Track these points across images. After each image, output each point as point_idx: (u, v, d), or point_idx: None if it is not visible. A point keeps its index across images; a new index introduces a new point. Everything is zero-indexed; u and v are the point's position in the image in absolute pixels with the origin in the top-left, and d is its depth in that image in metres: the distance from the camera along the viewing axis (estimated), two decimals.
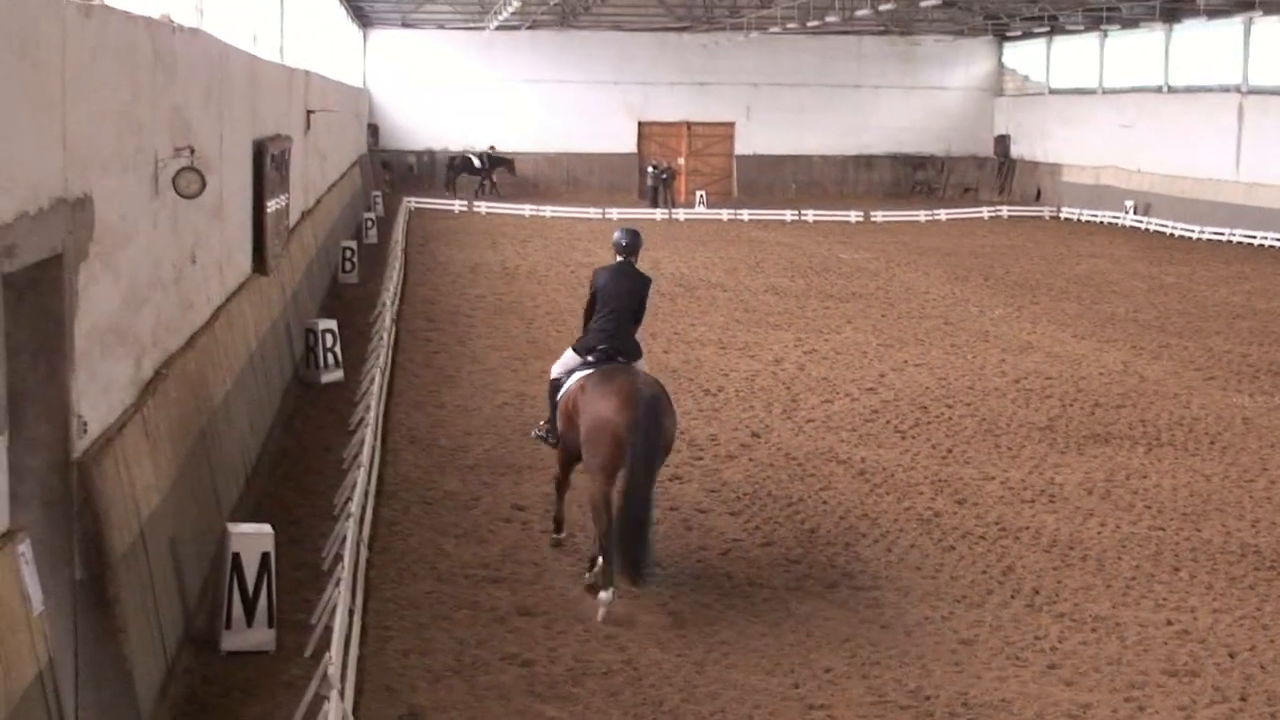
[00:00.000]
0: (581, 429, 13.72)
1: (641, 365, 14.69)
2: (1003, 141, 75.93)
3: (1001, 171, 75.14)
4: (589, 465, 13.66)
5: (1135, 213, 59.94)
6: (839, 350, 27.99)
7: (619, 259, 15.17)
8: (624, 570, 13.17)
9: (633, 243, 15.24)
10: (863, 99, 76.08)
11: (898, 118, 76.32)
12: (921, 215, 61.72)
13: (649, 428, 13.27)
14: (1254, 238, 51.06)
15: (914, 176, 76.57)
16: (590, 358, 14.45)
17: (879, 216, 61.48)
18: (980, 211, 64.36)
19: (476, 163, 69.56)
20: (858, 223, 60.36)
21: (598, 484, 13.49)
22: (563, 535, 15.33)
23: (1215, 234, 52.97)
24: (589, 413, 13.61)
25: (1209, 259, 46.33)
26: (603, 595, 13.24)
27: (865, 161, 76.28)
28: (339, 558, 13.02)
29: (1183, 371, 26.14)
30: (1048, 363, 26.81)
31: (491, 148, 70.79)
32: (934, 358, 27.25)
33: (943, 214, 62.57)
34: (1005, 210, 65.16)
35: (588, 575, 14.08)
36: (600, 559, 13.69)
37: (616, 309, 14.66)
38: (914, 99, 76.52)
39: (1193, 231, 54.16)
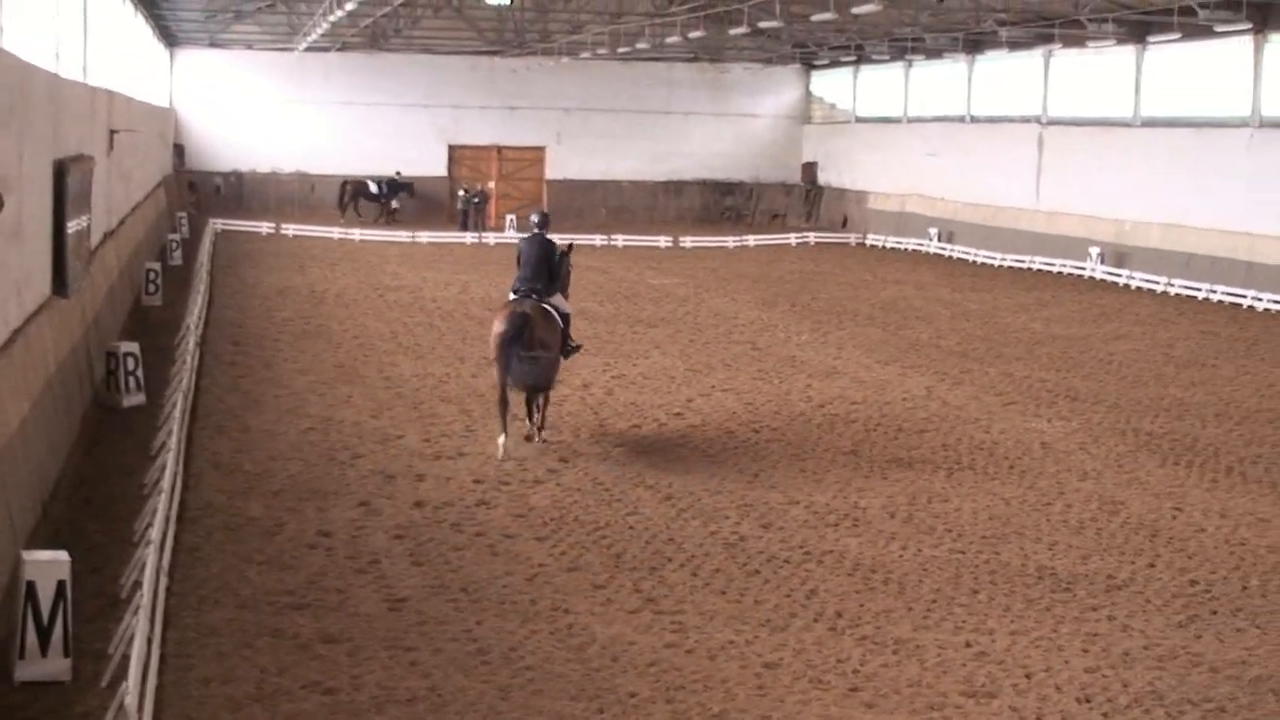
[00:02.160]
0: None
1: (557, 299, 21.84)
2: (810, 169, 76.80)
3: (809, 198, 76.00)
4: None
5: (939, 240, 60.89)
6: (647, 375, 28.11)
7: (535, 231, 22.25)
8: (500, 414, 20.81)
9: (542, 220, 22.61)
10: (673, 125, 76.55)
11: (708, 144, 76.91)
12: (730, 241, 62.23)
13: (514, 333, 20.54)
14: (1053, 265, 52.15)
15: (723, 202, 77.12)
16: (512, 295, 21.77)
17: (688, 242, 61.87)
18: (788, 238, 65.09)
19: (374, 188, 68.97)
20: (667, 248, 60.68)
21: (495, 372, 21.22)
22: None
23: (1016, 261, 54.02)
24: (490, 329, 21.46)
25: (1010, 286, 47.27)
26: (500, 440, 20.68)
27: (675, 187, 76.76)
28: (138, 585, 12.79)
29: (984, 397, 26.62)
30: (853, 388, 27.15)
31: (397, 173, 70.23)
32: (741, 383, 27.46)
33: (751, 240, 63.14)
34: (812, 237, 66.00)
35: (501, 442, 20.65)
36: (502, 427, 20.77)
37: (531, 263, 21.80)
38: (724, 126, 77.17)
39: (994, 259, 55.19)
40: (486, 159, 74.35)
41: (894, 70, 68.73)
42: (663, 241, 61.73)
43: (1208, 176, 46.64)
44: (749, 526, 17.29)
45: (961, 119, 62.74)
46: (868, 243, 64.85)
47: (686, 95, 76.55)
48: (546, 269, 21.85)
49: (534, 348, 20.71)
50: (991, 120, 60.52)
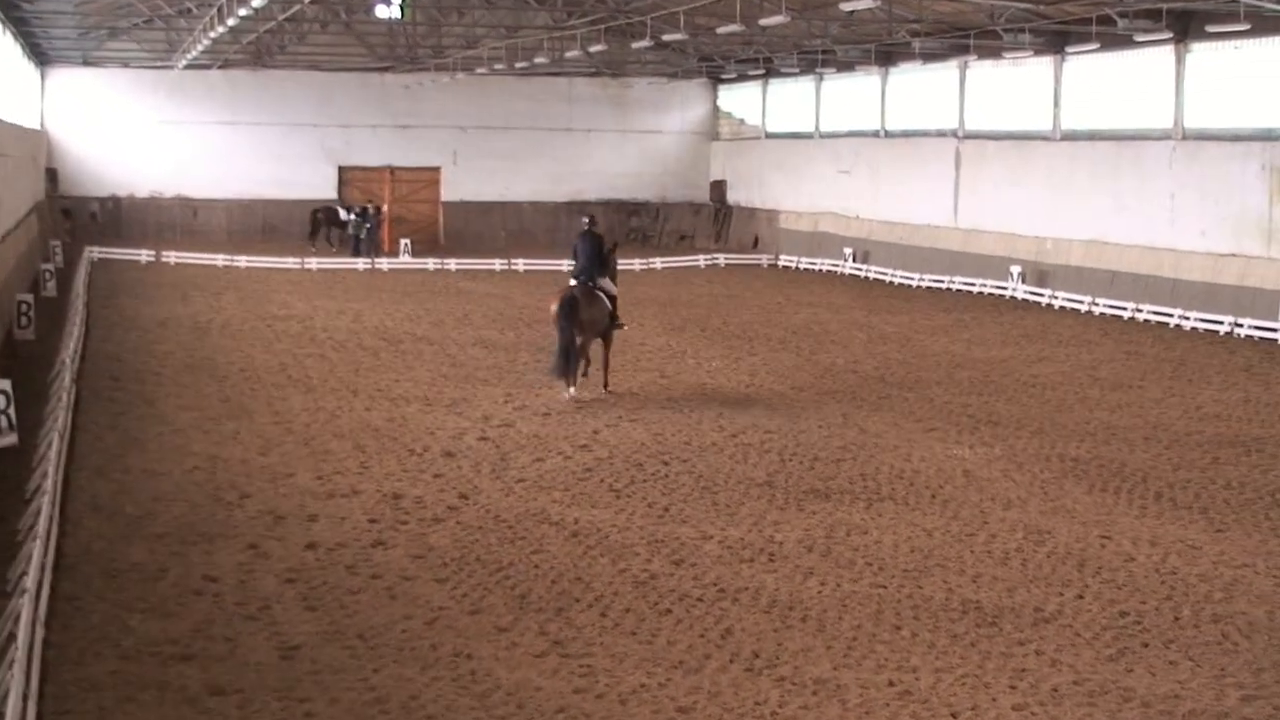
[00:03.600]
0: None
1: (605, 283, 29.31)
2: (719, 187, 77.06)
3: (718, 218, 76.23)
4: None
5: (854, 260, 61.22)
6: (551, 406, 28.07)
7: (587, 229, 30.01)
8: (554, 372, 28.54)
9: (592, 220, 30.88)
10: (575, 143, 76.63)
11: (611, 163, 77.04)
12: (636, 264, 62.22)
13: (565, 313, 28.05)
14: (973, 285, 52.50)
15: (628, 224, 77.19)
16: (572, 281, 29.35)
17: None
18: (696, 259, 65.15)
19: (343, 214, 68.62)
20: (569, 272, 60.52)
21: (557, 337, 28.41)
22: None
23: (935, 282, 54.39)
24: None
25: (928, 307, 47.58)
26: (568, 392, 28.42)
27: (578, 208, 76.15)
28: (13, 637, 12.61)
29: (903, 423, 26.75)
30: (766, 416, 27.22)
31: (370, 202, 69.99)
32: (649, 412, 27.47)
33: (658, 262, 63.23)
34: (722, 258, 66.14)
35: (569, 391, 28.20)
36: (567, 383, 28.40)
37: (585, 255, 29.32)
38: (628, 143, 77.35)
39: (912, 279, 55.51)
40: (379, 180, 74.03)
41: (804, 84, 69.08)
42: (566, 265, 61.46)
43: (1130, 191, 47.20)
44: (660, 563, 17.28)
45: (875, 134, 63.12)
46: (780, 264, 65.07)
47: (588, 112, 76.70)
48: (598, 259, 29.37)
49: (579, 320, 28.15)
50: (906, 135, 60.90)
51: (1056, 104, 51.32)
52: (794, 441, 24.83)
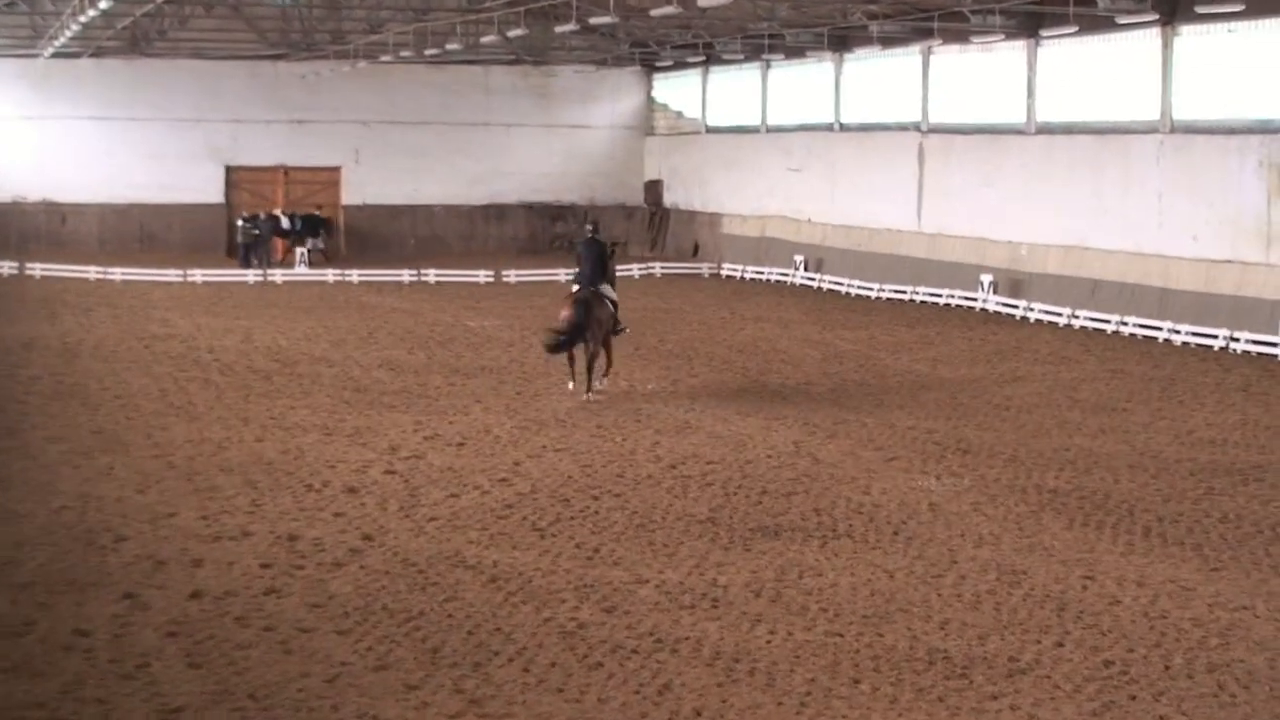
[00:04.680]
0: None
1: (606, 289, 32.53)
2: (654, 188, 77.10)
3: (653, 223, 76.29)
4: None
5: (806, 269, 61.36)
6: (467, 435, 28.06)
7: (590, 236, 33.46)
8: (547, 347, 32.44)
9: (595, 227, 34.25)
10: (493, 139, 76.46)
11: (534, 161, 76.87)
12: (562, 274, 62.14)
13: (579, 314, 31.44)
14: (939, 296, 52.73)
15: (553, 229, 77.09)
16: (575, 287, 32.68)
17: (512, 276, 61.92)
18: (630, 269, 64.94)
19: (286, 224, 68.30)
20: (488, 284, 60.68)
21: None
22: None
23: (896, 293, 54.57)
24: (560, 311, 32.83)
25: (890, 321, 47.74)
26: (571, 385, 32.49)
27: (496, 212, 76.61)
28: None
29: (861, 451, 26.82)
30: (708, 444, 27.26)
31: (317, 208, 69.65)
32: (578, 441, 27.49)
33: None
34: (658, 267, 66.24)
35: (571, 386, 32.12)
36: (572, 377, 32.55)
37: (590, 261, 32.74)
38: (552, 139, 77.23)
39: (871, 290, 55.70)
40: (271, 182, 73.77)
41: (749, 72, 69.20)
42: (482, 276, 61.66)
43: (1113, 190, 47.41)
44: (589, 611, 17.26)
45: (829, 127, 63.20)
46: (723, 274, 65.20)
47: (508, 104, 76.57)
48: (601, 265, 32.93)
49: (592, 324, 31.67)
50: (864, 129, 61.02)
51: (1031, 94, 51.46)
52: (739, 473, 24.87)
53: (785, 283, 61.37)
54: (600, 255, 33.11)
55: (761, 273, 63.39)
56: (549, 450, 26.69)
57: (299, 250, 66.99)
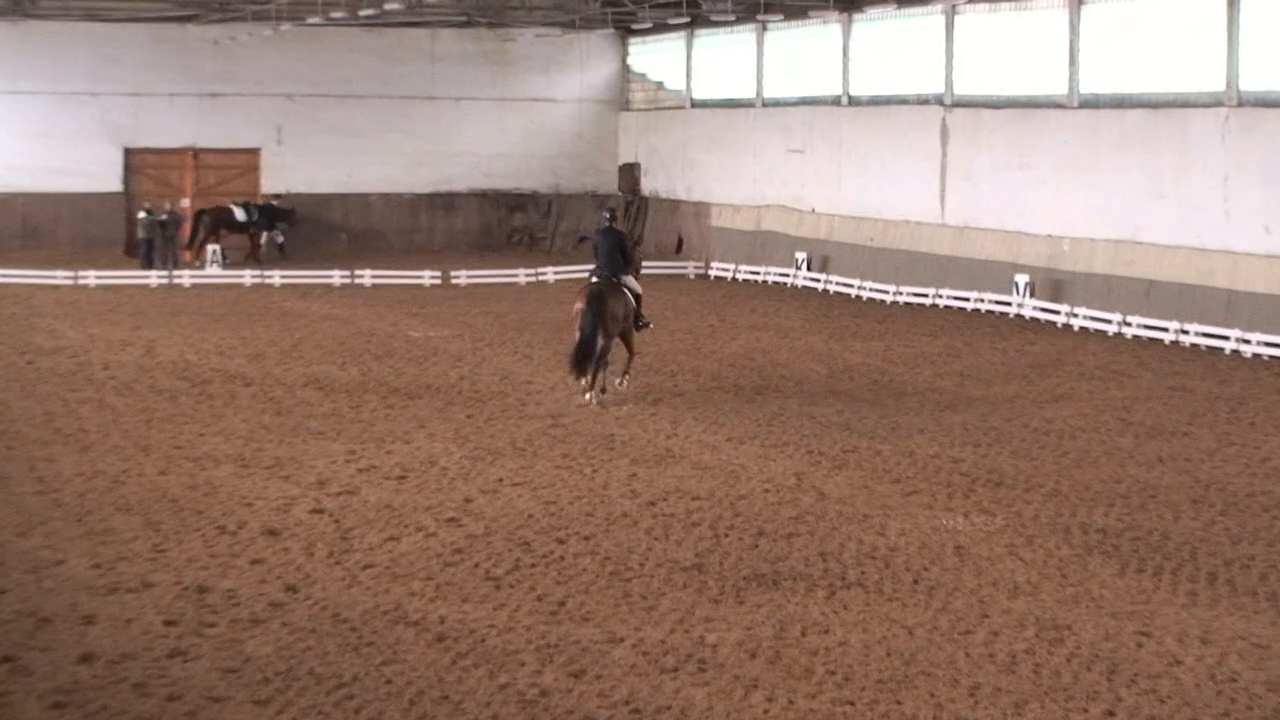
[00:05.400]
0: None
1: (629, 280, 35.43)
2: (630, 173, 77.06)
3: (630, 213, 76.25)
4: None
5: (809, 268, 61.40)
6: (408, 466, 28.02)
7: (607, 224, 36.39)
8: (570, 366, 34.02)
9: (612, 215, 37.49)
10: (440, 116, 76.35)
11: (488, 141, 76.78)
12: (522, 275, 62.21)
13: (593, 309, 33.60)
14: (966, 300, 52.71)
15: (511, 222, 77.10)
16: (593, 278, 35.22)
17: (463, 278, 61.85)
18: None
19: (240, 215, 68.50)
20: (434, 287, 60.59)
21: (576, 336, 33.87)
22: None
23: (916, 296, 54.59)
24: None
25: (908, 330, 47.73)
26: (587, 396, 34.24)
27: (444, 201, 76.52)
28: None
29: (875, 485, 26.79)
30: (694, 477, 27.21)
31: (276, 196, 70.18)
32: (540, 474, 27.43)
33: (551, 273, 63.19)
34: None
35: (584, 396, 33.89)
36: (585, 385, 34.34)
37: (605, 252, 35.34)
38: (510, 115, 77.16)
39: (886, 293, 55.72)
40: (179, 167, 73.64)
41: (743, 36, 69.21)
42: (427, 278, 61.58)
43: (1171, 174, 47.32)
44: (554, 676, 17.22)
45: (836, 101, 63.22)
46: (711, 274, 65.18)
47: (458, 74, 76.48)
48: (620, 255, 35.50)
49: (606, 317, 33.86)
50: (877, 102, 60.98)
51: (1073, 61, 51.46)
52: (731, 511, 24.81)
53: (785, 284, 61.38)
54: (618, 245, 35.75)
55: (757, 273, 63.37)
56: (506, 484, 26.62)
57: (210, 249, 66.81)
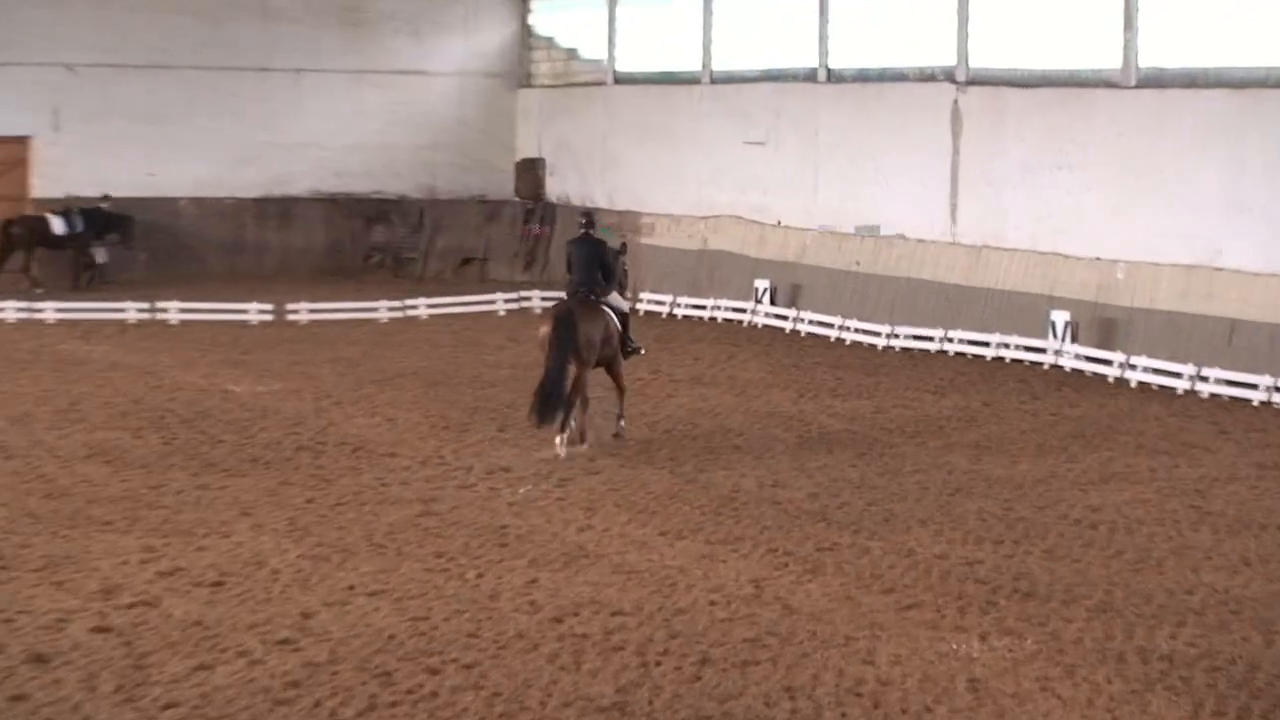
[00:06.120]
0: None
1: (613, 298, 37.99)
2: (531, 172, 77.21)
3: (530, 224, 76.34)
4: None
5: (773, 301, 61.61)
6: (227, 568, 27.94)
7: (582, 231, 38.40)
8: (530, 411, 36.00)
9: (589, 220, 39.26)
10: (275, 94, 76.44)
11: (339, 129, 76.88)
12: (383, 309, 62.25)
13: (561, 334, 35.58)
14: (985, 346, 52.77)
15: (369, 237, 77.19)
16: (565, 294, 37.89)
17: (303, 312, 61.95)
18: (492, 300, 65.25)
19: (61, 227, 68.62)
20: (264, 325, 60.65)
21: (543, 371, 35.99)
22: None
23: (917, 339, 54.76)
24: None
25: (907, 385, 47.97)
26: (557, 441, 36.48)
27: (279, 209, 76.47)
28: None
29: (861, 595, 26.82)
30: (615, 584, 27.22)
31: (105, 197, 70.74)
32: (403, 579, 27.36)
33: (423, 305, 63.49)
34: (537, 296, 66.15)
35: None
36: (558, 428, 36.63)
37: (582, 265, 37.58)
38: (369, 94, 77.34)
39: (877, 335, 55.89)
40: None
41: None
42: (256, 312, 61.55)
43: (1258, 176, 47.41)
44: None
45: (811, 76, 63.44)
46: (640, 308, 65.08)
47: (299, 38, 76.64)
48: (599, 269, 37.93)
49: (577, 342, 36.02)
50: (866, 79, 61.24)
51: (1129, 25, 51.51)
52: (665, 631, 24.78)
53: (740, 323, 61.65)
54: (596, 256, 38.27)
55: (703, 307, 63.69)
56: (359, 593, 26.54)
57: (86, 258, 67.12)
